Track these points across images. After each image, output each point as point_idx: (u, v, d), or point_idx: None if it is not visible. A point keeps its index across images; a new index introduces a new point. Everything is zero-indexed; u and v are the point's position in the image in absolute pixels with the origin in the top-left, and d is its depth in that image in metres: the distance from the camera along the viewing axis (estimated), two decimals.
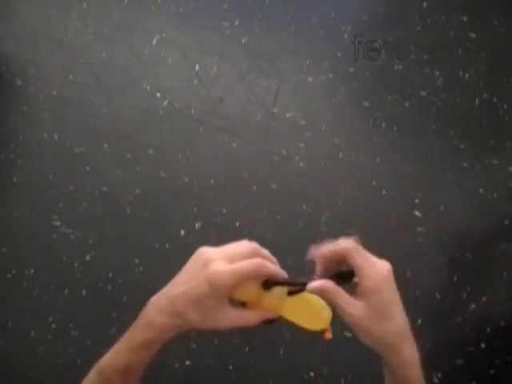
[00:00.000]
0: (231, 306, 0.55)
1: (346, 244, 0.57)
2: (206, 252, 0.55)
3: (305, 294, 0.57)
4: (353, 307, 0.54)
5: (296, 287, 0.57)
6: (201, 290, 0.53)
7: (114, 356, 0.59)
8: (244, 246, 0.56)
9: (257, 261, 0.54)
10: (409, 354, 0.56)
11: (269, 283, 0.56)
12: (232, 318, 0.55)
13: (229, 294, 0.54)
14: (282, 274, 0.57)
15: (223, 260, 0.54)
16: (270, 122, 1.72)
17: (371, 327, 0.55)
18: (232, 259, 0.54)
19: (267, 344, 1.48)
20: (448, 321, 1.54)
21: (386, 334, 0.55)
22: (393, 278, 0.56)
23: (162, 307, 0.55)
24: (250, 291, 0.56)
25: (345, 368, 1.46)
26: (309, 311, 0.59)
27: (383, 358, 0.57)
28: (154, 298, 0.57)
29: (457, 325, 1.53)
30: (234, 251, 0.55)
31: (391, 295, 0.56)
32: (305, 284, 0.56)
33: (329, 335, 0.59)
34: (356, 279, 0.56)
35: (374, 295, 0.54)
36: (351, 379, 1.46)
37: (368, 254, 0.56)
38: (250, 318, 0.56)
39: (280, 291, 0.57)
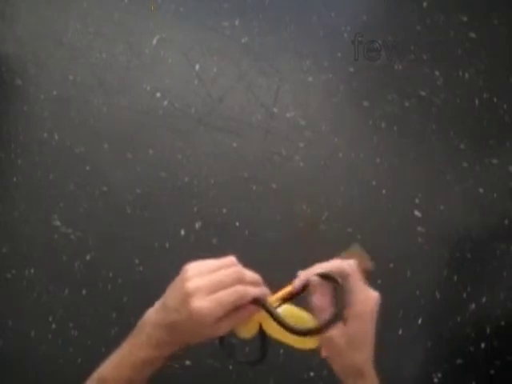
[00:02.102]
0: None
1: (343, 265, 0.57)
2: (187, 280, 0.55)
3: (298, 312, 0.58)
4: (338, 338, 0.55)
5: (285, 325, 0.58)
6: (188, 325, 0.54)
7: (116, 370, 0.59)
8: (225, 271, 0.56)
9: (237, 289, 0.55)
10: (370, 376, 0.58)
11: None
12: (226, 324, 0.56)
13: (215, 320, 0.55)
14: (264, 295, 0.57)
15: (203, 292, 0.54)
16: (269, 122, 1.72)
17: (343, 351, 0.56)
18: (212, 290, 0.54)
19: None
20: (448, 321, 1.54)
21: (355, 361, 0.56)
22: (377, 310, 0.57)
23: (161, 328, 0.56)
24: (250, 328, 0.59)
25: None
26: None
27: (346, 380, 0.58)
28: (150, 315, 0.58)
29: (457, 325, 1.53)
30: (215, 279, 0.55)
31: (371, 326, 0.56)
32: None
33: (324, 353, 0.59)
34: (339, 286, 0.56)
35: (355, 321, 0.55)
36: None
37: (361, 281, 0.57)
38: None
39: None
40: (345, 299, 0.54)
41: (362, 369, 0.57)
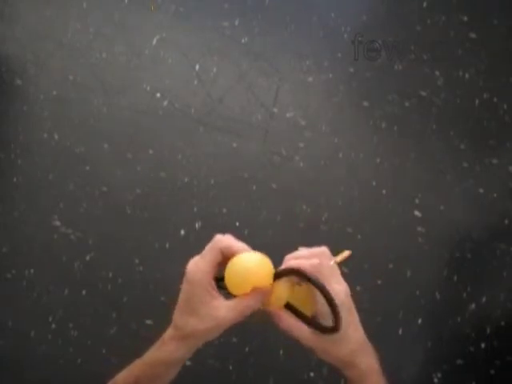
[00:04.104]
0: (224, 298, 0.55)
1: (312, 260, 0.55)
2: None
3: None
4: (304, 332, 0.54)
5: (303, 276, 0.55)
6: (184, 293, 0.54)
7: (128, 370, 0.58)
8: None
9: (214, 239, 0.56)
10: (365, 366, 0.56)
11: (278, 275, 0.55)
12: (229, 307, 0.53)
13: (209, 283, 0.54)
14: (241, 245, 0.56)
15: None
16: (269, 121, 1.72)
17: (328, 348, 0.55)
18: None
19: (267, 344, 1.48)
20: (448, 321, 1.54)
21: (341, 354, 0.55)
22: (350, 300, 0.55)
23: (170, 327, 0.56)
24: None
25: None
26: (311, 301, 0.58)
27: (342, 371, 0.57)
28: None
29: (457, 325, 1.53)
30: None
31: (346, 319, 0.54)
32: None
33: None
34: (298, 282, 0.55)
35: (329, 319, 0.54)
36: None
37: (329, 276, 0.54)
38: (249, 301, 0.54)
39: (287, 282, 0.55)
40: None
41: (352, 360, 0.56)
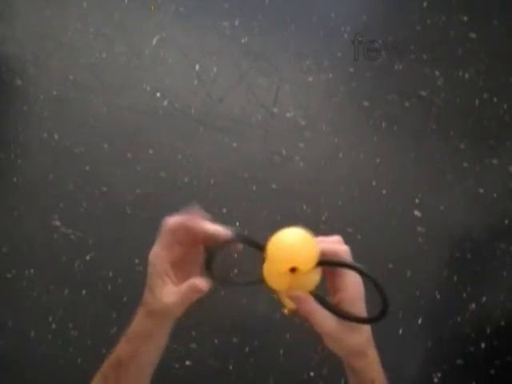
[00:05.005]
0: (172, 284, 0.56)
1: (339, 245, 0.56)
2: None
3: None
4: (325, 318, 0.54)
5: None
6: (148, 274, 0.57)
7: (113, 352, 0.60)
8: None
9: (162, 223, 0.57)
10: (373, 354, 0.57)
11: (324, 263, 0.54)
12: (179, 290, 0.55)
13: (162, 267, 0.56)
14: (208, 226, 0.58)
15: None
16: (269, 122, 1.72)
17: (342, 338, 0.55)
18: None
19: (267, 344, 1.48)
20: (448, 321, 1.54)
21: (355, 344, 0.55)
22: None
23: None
24: (279, 279, 0.54)
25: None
26: None
27: (348, 363, 0.57)
28: None
29: (457, 325, 1.53)
30: None
31: (363, 309, 0.55)
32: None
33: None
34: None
35: (350, 306, 0.54)
36: None
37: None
38: (198, 284, 0.55)
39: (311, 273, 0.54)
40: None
41: (364, 350, 0.56)
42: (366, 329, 0.56)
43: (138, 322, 0.58)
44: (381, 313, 0.52)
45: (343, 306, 0.54)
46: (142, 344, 0.58)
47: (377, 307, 0.52)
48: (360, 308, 0.54)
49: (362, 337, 0.56)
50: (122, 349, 0.59)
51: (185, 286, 0.55)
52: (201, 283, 0.55)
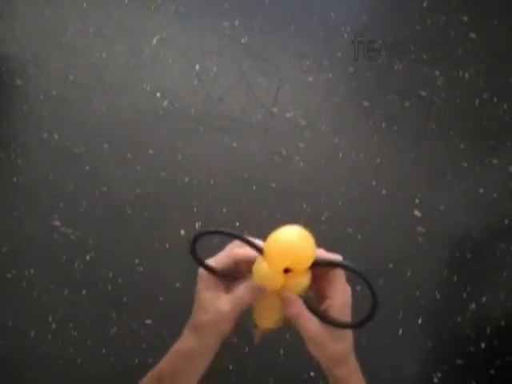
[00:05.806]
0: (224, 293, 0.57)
1: (334, 255, 0.57)
2: None
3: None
4: (311, 322, 0.54)
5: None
6: (196, 291, 0.57)
7: (156, 366, 0.60)
8: None
9: (231, 247, 0.59)
10: (353, 362, 0.58)
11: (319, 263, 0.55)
12: (234, 296, 0.55)
13: (212, 281, 0.56)
14: (252, 253, 0.57)
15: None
16: (269, 121, 1.72)
17: (326, 344, 0.55)
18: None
19: (267, 344, 1.48)
20: (448, 321, 1.54)
21: (338, 352, 0.56)
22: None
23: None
24: (273, 278, 0.54)
25: None
26: None
27: (329, 371, 0.58)
28: None
29: (457, 325, 1.53)
30: None
31: (349, 316, 0.56)
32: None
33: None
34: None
35: (337, 313, 0.54)
36: None
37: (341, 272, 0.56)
38: (246, 296, 0.55)
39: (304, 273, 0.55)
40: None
41: (346, 358, 0.57)
42: (350, 338, 0.56)
43: (183, 339, 0.58)
44: (367, 316, 0.53)
45: (331, 313, 0.54)
46: (183, 361, 0.58)
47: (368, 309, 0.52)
48: (347, 316, 0.55)
49: (345, 345, 0.56)
50: (164, 364, 0.59)
51: (240, 289, 0.55)
52: (256, 285, 0.55)
